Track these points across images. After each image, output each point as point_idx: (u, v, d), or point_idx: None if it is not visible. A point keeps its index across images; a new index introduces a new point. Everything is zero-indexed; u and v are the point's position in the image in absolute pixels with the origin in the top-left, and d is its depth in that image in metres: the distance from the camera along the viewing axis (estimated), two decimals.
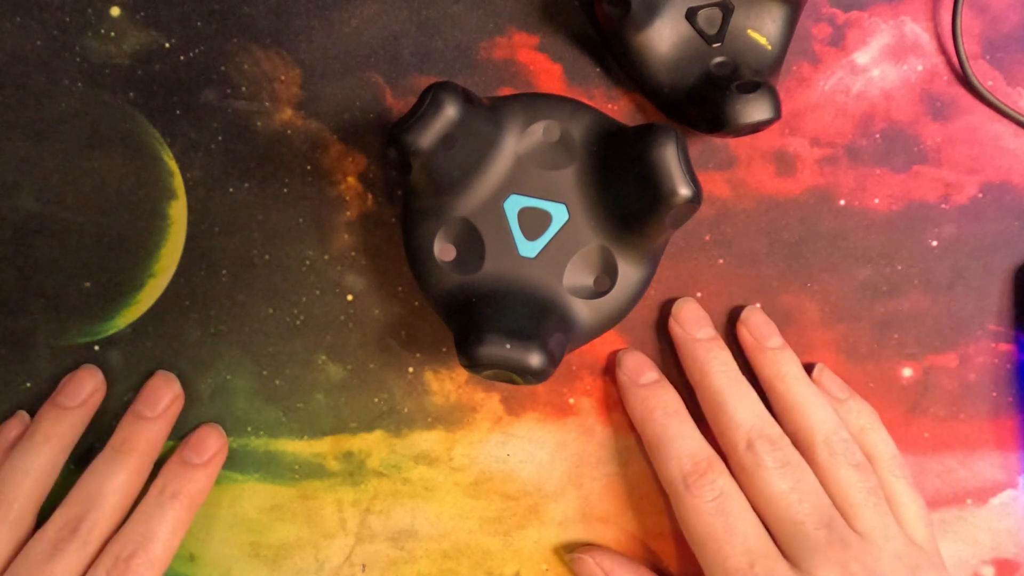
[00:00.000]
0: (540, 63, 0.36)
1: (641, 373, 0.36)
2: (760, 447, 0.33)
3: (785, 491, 0.32)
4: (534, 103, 0.33)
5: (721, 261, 0.37)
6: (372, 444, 0.36)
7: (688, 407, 0.35)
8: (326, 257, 0.36)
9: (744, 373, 0.35)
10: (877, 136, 0.36)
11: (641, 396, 0.35)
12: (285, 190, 0.36)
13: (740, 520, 0.32)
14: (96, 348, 0.36)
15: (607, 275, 0.33)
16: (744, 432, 0.33)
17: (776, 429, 0.34)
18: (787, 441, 0.34)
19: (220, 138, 0.36)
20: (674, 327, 0.36)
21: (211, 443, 0.35)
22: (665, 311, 0.36)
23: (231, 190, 0.36)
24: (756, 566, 0.31)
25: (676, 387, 0.35)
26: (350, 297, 0.36)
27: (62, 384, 0.35)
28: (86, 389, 0.35)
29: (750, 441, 0.33)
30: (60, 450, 0.34)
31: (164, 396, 0.35)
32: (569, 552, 0.36)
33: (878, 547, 0.32)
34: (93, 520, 0.32)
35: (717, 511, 0.32)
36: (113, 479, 0.33)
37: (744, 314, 0.36)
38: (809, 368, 0.36)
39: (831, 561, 0.31)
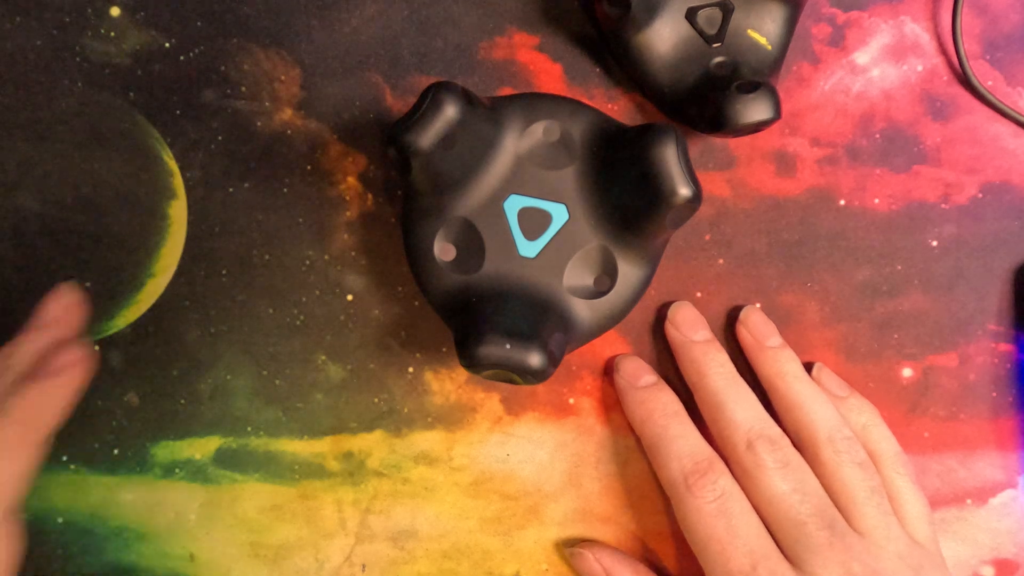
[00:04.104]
0: (540, 63, 0.36)
1: (639, 376, 0.36)
2: (760, 447, 0.33)
3: (786, 491, 0.32)
4: (534, 103, 0.33)
5: (721, 261, 0.37)
6: (372, 444, 0.36)
7: (688, 411, 0.35)
8: (326, 257, 0.36)
9: (742, 375, 0.35)
10: (877, 136, 0.36)
11: (640, 398, 0.35)
12: (285, 190, 0.36)
13: (742, 521, 0.32)
14: (96, 348, 0.36)
15: (607, 275, 0.33)
16: (744, 433, 0.33)
17: (776, 429, 0.34)
18: (787, 441, 0.34)
19: (220, 138, 0.36)
20: (670, 330, 0.36)
21: (63, 358, 0.31)
22: (664, 315, 0.36)
23: (231, 190, 0.36)
24: (758, 567, 0.31)
25: (675, 390, 0.35)
26: (350, 297, 0.36)
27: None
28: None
29: (750, 441, 0.33)
30: None
31: (54, 308, 0.33)
32: (569, 547, 0.36)
33: (880, 547, 0.32)
34: None
35: (718, 512, 0.32)
36: None
37: (743, 314, 0.36)
38: (808, 368, 0.36)
39: (833, 562, 0.31)
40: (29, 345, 0.32)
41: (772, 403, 0.35)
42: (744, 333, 0.36)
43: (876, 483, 0.33)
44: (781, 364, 0.35)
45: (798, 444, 0.34)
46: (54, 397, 0.31)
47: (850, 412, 0.35)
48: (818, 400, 0.34)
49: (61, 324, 0.32)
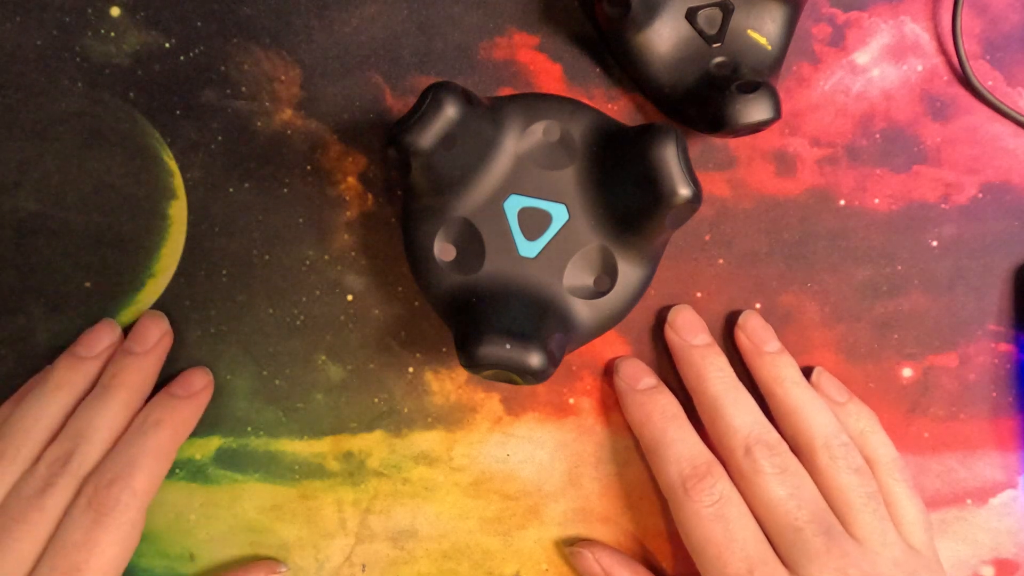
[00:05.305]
0: (540, 63, 0.36)
1: (639, 379, 0.36)
2: (758, 453, 0.33)
3: (784, 497, 0.32)
4: (534, 103, 0.33)
5: (721, 261, 0.37)
6: (372, 444, 0.36)
7: (687, 414, 0.35)
8: (326, 257, 0.36)
9: (742, 379, 0.35)
10: (877, 136, 0.36)
11: (639, 401, 0.35)
12: (285, 190, 0.36)
13: (739, 526, 0.32)
14: None
15: (607, 275, 0.33)
16: (742, 438, 0.33)
17: (774, 435, 0.34)
18: (785, 447, 0.34)
19: (220, 138, 0.36)
20: (670, 334, 0.36)
21: (197, 380, 0.35)
22: (663, 316, 0.36)
23: (231, 190, 0.36)
24: (755, 572, 0.31)
25: (675, 393, 0.35)
26: (350, 297, 0.36)
27: (80, 336, 0.35)
28: (103, 342, 0.35)
29: (748, 447, 0.33)
30: (73, 398, 0.34)
31: (153, 332, 0.35)
32: (568, 546, 0.36)
33: (876, 553, 0.32)
34: (83, 454, 0.32)
35: (716, 516, 0.32)
36: (103, 413, 0.33)
37: (741, 319, 0.36)
38: (808, 372, 0.36)
39: (830, 568, 0.31)
40: (150, 369, 0.35)
41: (770, 408, 0.35)
42: (742, 338, 0.36)
43: (872, 489, 0.33)
44: (779, 369, 0.35)
45: (796, 450, 0.34)
46: (194, 413, 0.35)
47: (848, 418, 0.35)
48: (815, 406, 0.34)
49: (159, 349, 0.35)
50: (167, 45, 0.35)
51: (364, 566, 0.37)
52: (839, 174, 0.36)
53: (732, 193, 0.36)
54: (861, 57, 0.36)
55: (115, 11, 0.35)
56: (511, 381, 0.31)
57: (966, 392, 0.37)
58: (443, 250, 0.33)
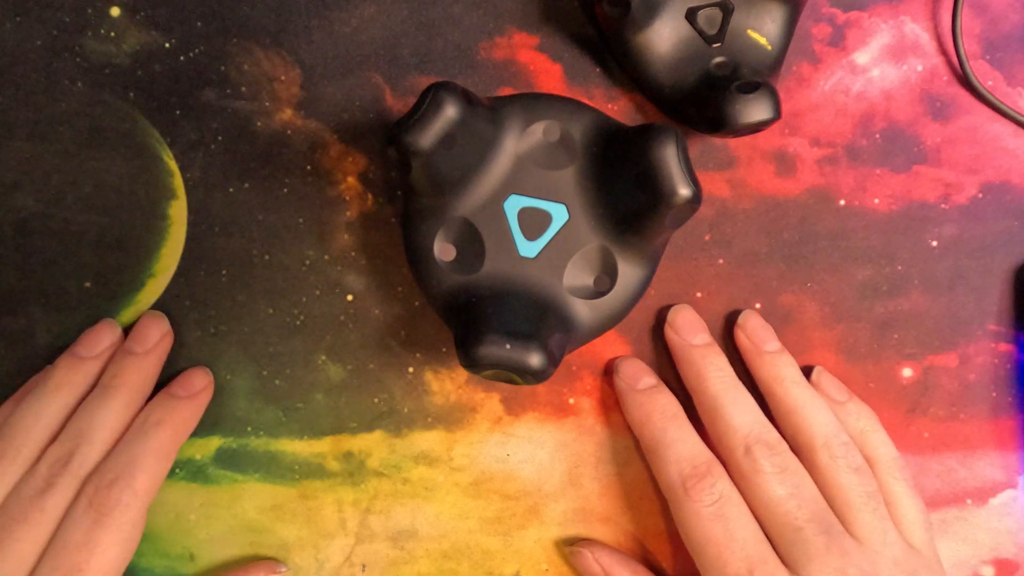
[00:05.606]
0: (540, 63, 0.36)
1: (639, 379, 0.36)
2: (758, 452, 0.33)
3: (783, 497, 0.32)
4: (534, 103, 0.33)
5: (721, 261, 0.37)
6: (372, 444, 0.36)
7: (687, 414, 0.35)
8: (326, 257, 0.36)
9: (741, 379, 0.35)
10: (877, 136, 0.36)
11: (639, 401, 0.35)
12: (285, 190, 0.36)
13: (739, 526, 0.32)
14: None
15: (607, 275, 0.33)
16: (742, 437, 0.33)
17: (774, 434, 0.34)
18: (785, 446, 0.34)
19: (220, 138, 0.36)
20: (670, 334, 0.36)
21: (197, 380, 0.35)
22: (663, 316, 0.36)
23: (231, 190, 0.36)
24: (755, 572, 0.31)
25: (675, 393, 0.35)
26: (350, 297, 0.36)
27: (80, 336, 0.35)
28: (103, 342, 0.35)
29: (748, 446, 0.33)
30: (73, 398, 0.34)
31: (153, 333, 0.35)
32: (568, 545, 0.37)
33: (876, 552, 0.32)
34: (84, 454, 0.32)
35: (716, 516, 0.32)
36: (104, 413, 0.33)
37: (741, 318, 0.36)
38: (808, 371, 0.36)
39: (830, 568, 0.31)
40: (150, 369, 0.35)
41: (770, 408, 0.35)
42: (742, 338, 0.36)
43: (872, 488, 0.33)
44: (779, 369, 0.35)
45: (796, 449, 0.34)
46: (194, 413, 0.35)
47: (848, 417, 0.35)
48: (815, 405, 0.34)
49: (160, 349, 0.35)
50: (167, 45, 0.35)
51: (364, 566, 0.37)
52: (839, 174, 0.36)
53: (732, 193, 0.36)
54: (861, 57, 0.36)
55: (115, 11, 0.35)
56: (511, 381, 0.31)
57: (966, 392, 0.37)
58: (443, 250, 0.33)
